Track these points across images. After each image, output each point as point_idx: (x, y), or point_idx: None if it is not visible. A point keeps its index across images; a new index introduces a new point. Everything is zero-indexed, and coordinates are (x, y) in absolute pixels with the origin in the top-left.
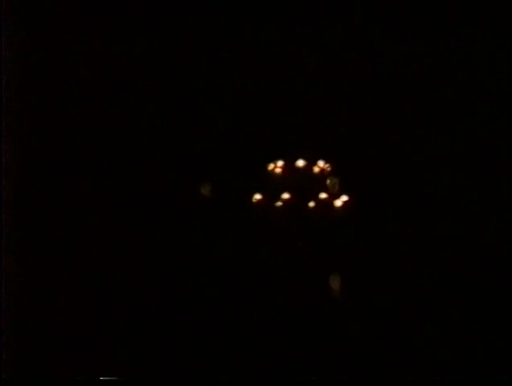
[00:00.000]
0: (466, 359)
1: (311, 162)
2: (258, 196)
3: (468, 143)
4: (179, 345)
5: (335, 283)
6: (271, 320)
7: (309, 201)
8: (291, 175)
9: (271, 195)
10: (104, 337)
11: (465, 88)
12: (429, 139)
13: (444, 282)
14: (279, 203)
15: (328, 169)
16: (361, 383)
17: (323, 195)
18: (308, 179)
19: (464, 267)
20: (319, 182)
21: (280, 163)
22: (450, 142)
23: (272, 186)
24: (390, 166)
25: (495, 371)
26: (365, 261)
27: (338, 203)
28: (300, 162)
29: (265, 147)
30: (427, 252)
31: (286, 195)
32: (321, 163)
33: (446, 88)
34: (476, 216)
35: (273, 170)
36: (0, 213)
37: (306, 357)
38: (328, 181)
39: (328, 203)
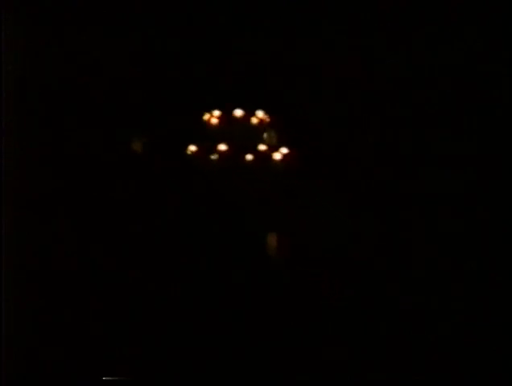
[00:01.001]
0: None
1: (250, 113)
2: (192, 148)
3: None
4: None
5: (272, 240)
6: (207, 275)
7: (247, 153)
8: (228, 126)
9: (207, 146)
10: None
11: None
12: (369, 88)
13: (383, 245)
14: (215, 156)
15: (267, 120)
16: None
17: (262, 147)
18: (246, 130)
19: (412, 235)
20: (257, 133)
21: (216, 113)
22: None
23: (208, 137)
24: (332, 117)
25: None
26: (304, 217)
27: (277, 155)
28: (238, 112)
29: (200, 96)
30: (369, 207)
31: (222, 147)
32: (260, 114)
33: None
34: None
35: (209, 120)
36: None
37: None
38: (266, 134)
39: (267, 155)
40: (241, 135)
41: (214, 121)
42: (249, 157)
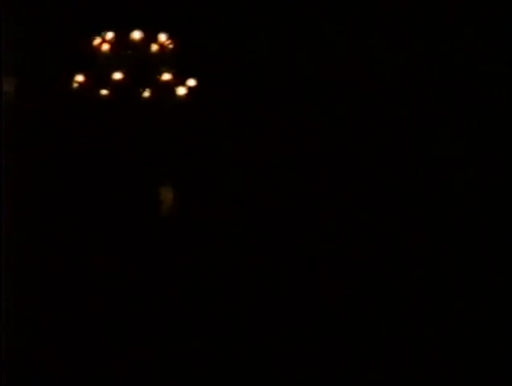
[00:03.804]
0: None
1: (150, 36)
2: (80, 78)
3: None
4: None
5: (167, 194)
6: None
7: (146, 85)
8: (124, 52)
9: (97, 76)
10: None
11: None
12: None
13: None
14: (107, 89)
15: (170, 46)
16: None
17: (165, 77)
18: (145, 57)
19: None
20: (159, 61)
21: (109, 36)
22: None
23: (98, 65)
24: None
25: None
26: (209, 169)
27: (182, 90)
28: (136, 35)
29: (89, 15)
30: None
31: (117, 76)
32: (162, 37)
33: None
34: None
35: (99, 45)
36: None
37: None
38: (164, 68)
39: (170, 88)
40: (139, 63)
41: (106, 46)
42: (147, 91)
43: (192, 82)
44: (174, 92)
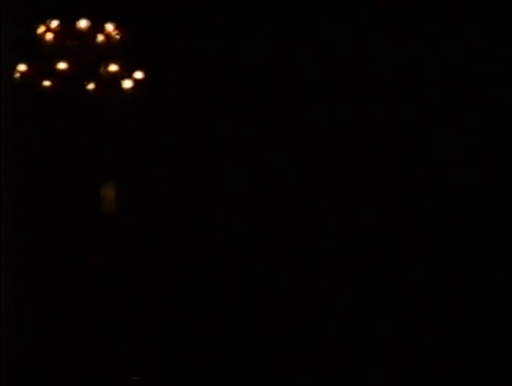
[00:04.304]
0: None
1: (96, 25)
2: (22, 67)
3: None
4: None
5: (109, 192)
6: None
7: (91, 76)
8: (69, 41)
9: (41, 66)
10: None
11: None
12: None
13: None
14: (50, 81)
15: (117, 36)
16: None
17: (111, 68)
18: (91, 47)
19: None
20: (106, 51)
21: (54, 24)
22: None
23: (42, 55)
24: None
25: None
26: (154, 165)
27: (128, 83)
28: (82, 23)
29: (33, 2)
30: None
31: (61, 66)
32: (109, 27)
33: None
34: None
35: (44, 33)
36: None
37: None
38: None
39: (116, 79)
40: (85, 53)
41: (50, 35)
42: (92, 83)
43: (139, 75)
44: (119, 85)
